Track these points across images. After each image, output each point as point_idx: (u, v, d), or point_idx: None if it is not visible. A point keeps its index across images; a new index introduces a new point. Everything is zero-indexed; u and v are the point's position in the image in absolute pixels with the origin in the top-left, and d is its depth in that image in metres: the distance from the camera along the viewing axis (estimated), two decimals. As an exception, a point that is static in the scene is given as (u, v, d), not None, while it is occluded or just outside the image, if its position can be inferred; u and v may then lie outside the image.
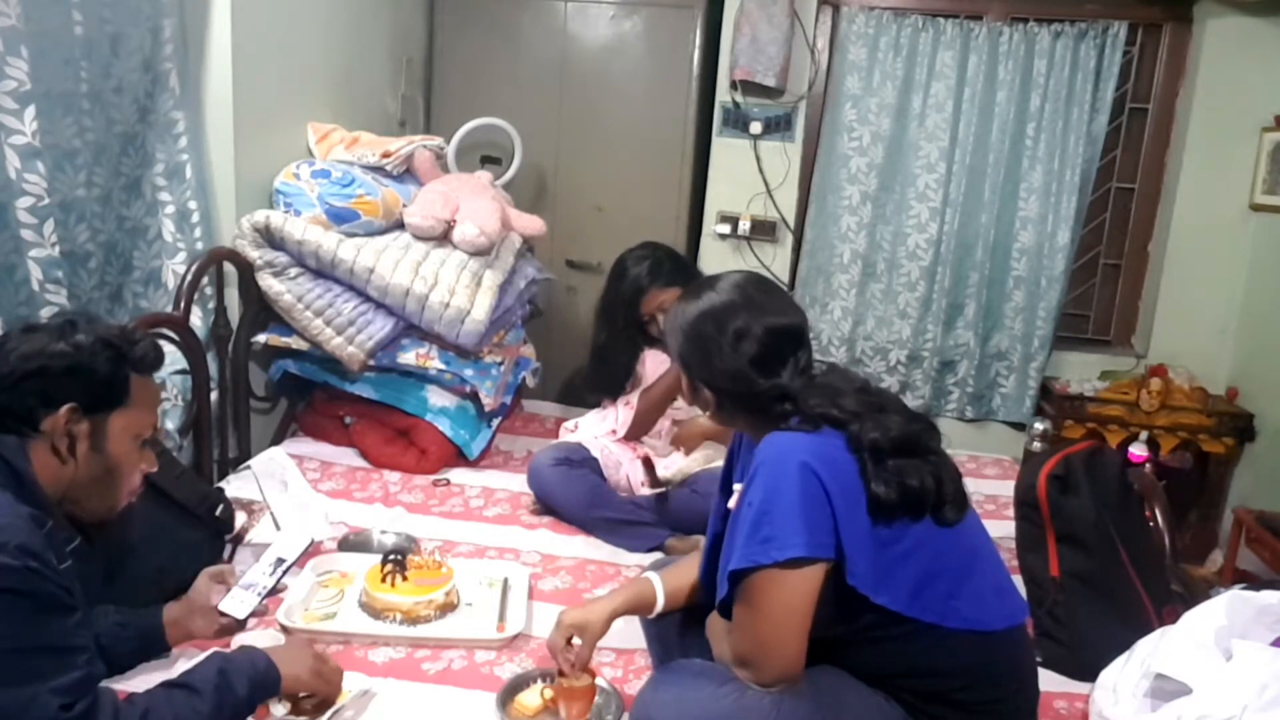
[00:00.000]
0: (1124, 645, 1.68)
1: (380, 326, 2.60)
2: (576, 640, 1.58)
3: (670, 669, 1.51)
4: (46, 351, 1.29)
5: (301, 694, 1.49)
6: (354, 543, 2.19)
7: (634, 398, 2.65)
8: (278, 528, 2.13)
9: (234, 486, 2.29)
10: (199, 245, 2.41)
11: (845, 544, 1.30)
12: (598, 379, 2.74)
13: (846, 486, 1.32)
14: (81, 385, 1.31)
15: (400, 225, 2.75)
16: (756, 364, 1.43)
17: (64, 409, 1.29)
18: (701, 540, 1.69)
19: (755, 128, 3.47)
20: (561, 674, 1.57)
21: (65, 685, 1.15)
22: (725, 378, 1.45)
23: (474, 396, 2.76)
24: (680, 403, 2.67)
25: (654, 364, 2.66)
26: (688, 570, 1.67)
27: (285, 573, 1.86)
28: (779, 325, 1.45)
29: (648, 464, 2.48)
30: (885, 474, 1.33)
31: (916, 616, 1.33)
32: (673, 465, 2.55)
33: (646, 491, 2.47)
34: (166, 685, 1.34)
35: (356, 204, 2.63)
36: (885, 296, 3.61)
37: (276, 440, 2.82)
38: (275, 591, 1.80)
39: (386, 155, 2.83)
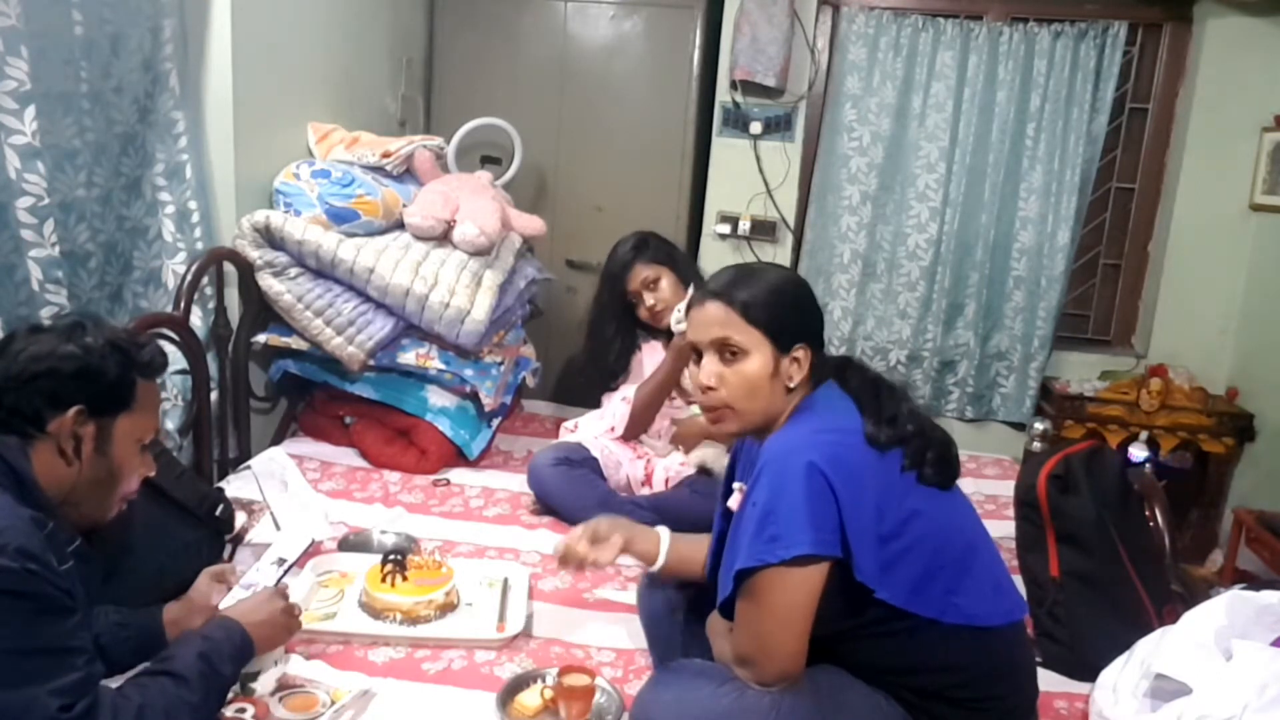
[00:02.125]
0: (1124, 645, 1.68)
1: (380, 326, 2.60)
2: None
3: (670, 669, 1.52)
4: (56, 353, 1.29)
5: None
6: (354, 543, 2.19)
7: (632, 394, 2.65)
8: (278, 528, 2.13)
9: (234, 486, 2.29)
10: (199, 245, 2.41)
11: (851, 541, 1.31)
12: (591, 358, 2.81)
13: (852, 484, 1.33)
14: (90, 388, 1.31)
15: (400, 225, 2.75)
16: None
17: (72, 411, 1.29)
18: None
19: (755, 128, 3.47)
20: (561, 673, 1.57)
21: (65, 686, 1.16)
22: (817, 329, 1.53)
23: (474, 396, 2.76)
24: (679, 402, 2.68)
25: (650, 359, 2.66)
26: (696, 544, 1.68)
27: (285, 573, 1.86)
28: None
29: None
30: (885, 421, 1.42)
31: (916, 611, 1.34)
32: (673, 465, 2.56)
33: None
34: (151, 673, 1.35)
35: (356, 204, 2.63)
36: (885, 296, 3.61)
37: (276, 440, 2.82)
38: (275, 591, 1.80)
39: (386, 155, 2.83)
